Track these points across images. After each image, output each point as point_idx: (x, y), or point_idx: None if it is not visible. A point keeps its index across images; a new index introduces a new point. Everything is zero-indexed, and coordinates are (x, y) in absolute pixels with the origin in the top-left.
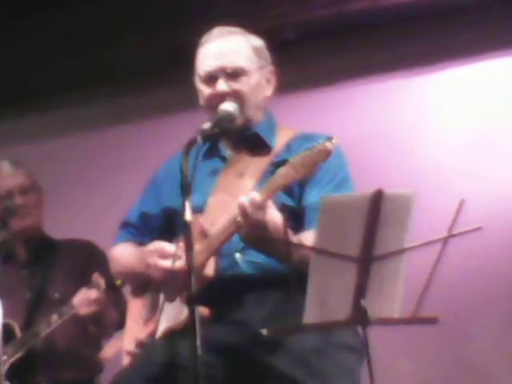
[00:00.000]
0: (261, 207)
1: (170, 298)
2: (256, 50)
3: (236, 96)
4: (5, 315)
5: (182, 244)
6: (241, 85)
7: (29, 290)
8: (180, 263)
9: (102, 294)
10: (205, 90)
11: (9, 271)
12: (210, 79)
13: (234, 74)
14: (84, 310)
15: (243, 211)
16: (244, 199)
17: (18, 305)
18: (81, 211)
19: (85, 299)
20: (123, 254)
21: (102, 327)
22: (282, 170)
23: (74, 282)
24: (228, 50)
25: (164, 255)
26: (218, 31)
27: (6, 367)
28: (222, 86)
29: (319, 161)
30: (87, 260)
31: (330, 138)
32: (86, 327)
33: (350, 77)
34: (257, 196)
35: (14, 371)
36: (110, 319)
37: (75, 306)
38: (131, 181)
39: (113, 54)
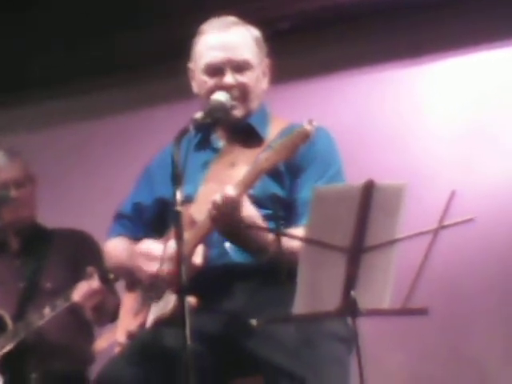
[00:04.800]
0: (233, 203)
1: (157, 298)
2: (257, 42)
3: (241, 89)
4: None
5: (169, 244)
6: (246, 78)
7: (21, 280)
8: (167, 266)
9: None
10: (208, 81)
11: (1, 261)
12: (215, 70)
13: (240, 67)
14: (90, 302)
15: (215, 208)
16: (217, 197)
17: (10, 295)
18: (77, 200)
19: (88, 291)
20: (115, 250)
21: (103, 313)
22: (263, 155)
23: (66, 271)
24: (234, 42)
25: (151, 258)
26: (219, 22)
27: None
28: (229, 78)
29: (300, 143)
30: (79, 250)
31: (310, 121)
32: (84, 316)
33: (343, 67)
34: (230, 191)
35: (5, 362)
36: (109, 305)
37: (79, 300)
38: (126, 171)
39: (109, 46)
